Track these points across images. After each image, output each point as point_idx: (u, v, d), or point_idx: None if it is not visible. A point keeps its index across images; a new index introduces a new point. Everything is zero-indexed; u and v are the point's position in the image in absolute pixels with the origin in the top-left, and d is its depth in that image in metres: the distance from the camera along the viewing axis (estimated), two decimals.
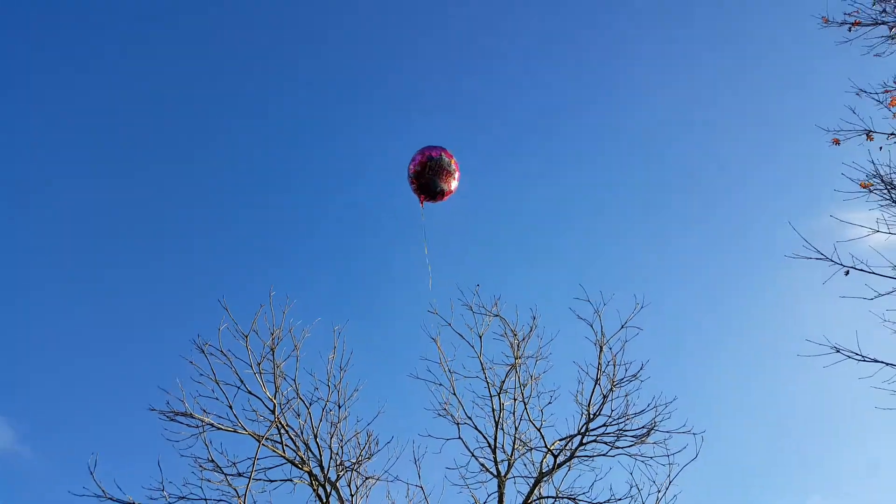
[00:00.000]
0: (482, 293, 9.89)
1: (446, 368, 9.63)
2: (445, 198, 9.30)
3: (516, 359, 9.58)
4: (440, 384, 9.50)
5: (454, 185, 9.15)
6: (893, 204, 7.12)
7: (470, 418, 9.23)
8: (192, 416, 8.30)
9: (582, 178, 22.71)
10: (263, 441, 8.12)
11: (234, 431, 8.43)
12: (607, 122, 22.89)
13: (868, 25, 7.44)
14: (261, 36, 22.92)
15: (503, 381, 9.44)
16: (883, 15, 7.33)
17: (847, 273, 7.20)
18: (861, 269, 7.19)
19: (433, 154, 9.01)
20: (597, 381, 9.10)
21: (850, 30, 7.55)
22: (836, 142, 7.52)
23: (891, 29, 7.36)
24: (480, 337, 9.72)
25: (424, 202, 9.34)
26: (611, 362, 9.18)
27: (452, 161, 9.08)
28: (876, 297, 7.06)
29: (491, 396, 9.37)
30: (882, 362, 6.91)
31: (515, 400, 9.39)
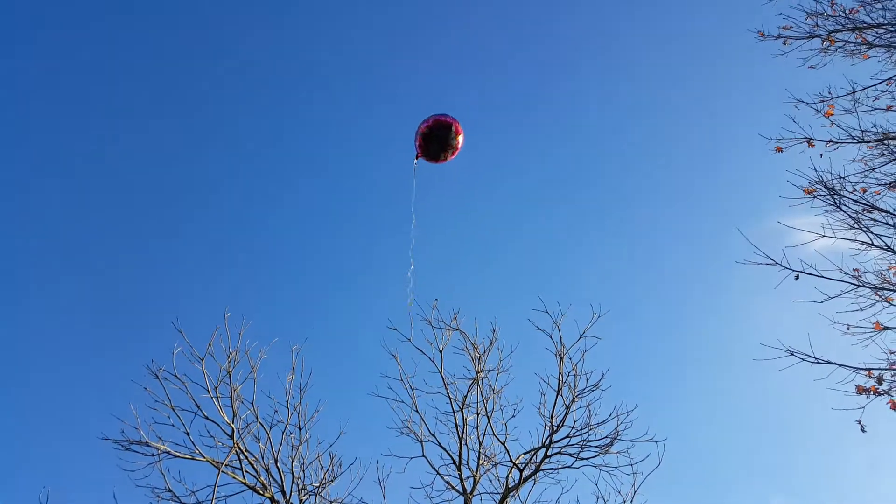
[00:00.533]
0: (441, 307, 9.78)
1: (407, 385, 9.45)
2: (438, 163, 9.37)
3: (477, 372, 9.45)
4: (402, 401, 9.31)
5: (449, 158, 9.22)
6: (837, 209, 7.27)
7: (433, 435, 9.06)
8: (147, 445, 7.97)
9: (536, 183, 22.76)
10: (223, 468, 7.81)
11: (192, 459, 8.09)
12: (559, 125, 22.98)
13: (801, 39, 7.68)
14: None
15: (465, 396, 9.30)
16: (815, 28, 7.59)
17: (797, 277, 7.29)
18: (810, 274, 7.29)
19: (446, 121, 9.00)
20: (558, 392, 9.04)
21: (784, 43, 7.79)
22: (779, 149, 7.69)
23: (823, 41, 7.60)
24: (441, 351, 9.58)
25: (419, 158, 9.45)
26: (571, 373, 9.13)
27: (459, 138, 9.15)
28: (826, 300, 7.16)
29: (454, 412, 9.21)
30: (835, 364, 6.97)
31: (478, 414, 9.26)
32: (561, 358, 9.20)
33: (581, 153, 22.78)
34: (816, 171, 7.54)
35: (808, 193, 7.63)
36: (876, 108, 7.35)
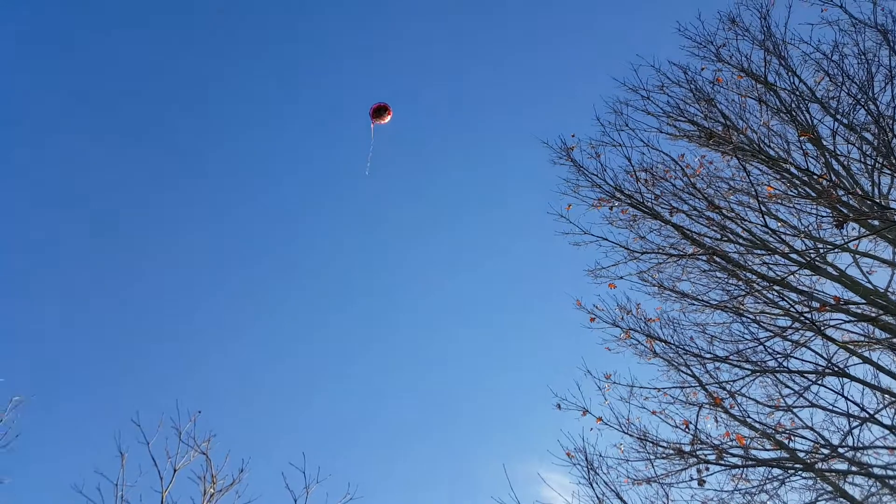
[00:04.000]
0: (201, 421, 8.25)
1: (119, 495, 7.53)
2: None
3: None
4: None
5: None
6: (588, 485, 7.02)
7: None
8: None
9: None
10: None
11: None
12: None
13: (607, 323, 8.05)
14: None
15: None
16: (620, 320, 8.01)
17: None
18: None
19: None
20: None
21: (591, 320, 8.14)
22: (559, 407, 7.61)
23: (622, 333, 7.99)
24: (175, 470, 7.87)
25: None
26: None
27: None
28: None
29: None
30: None
31: None
32: None
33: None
34: (583, 440, 7.47)
35: (569, 457, 7.45)
36: (645, 408, 7.53)
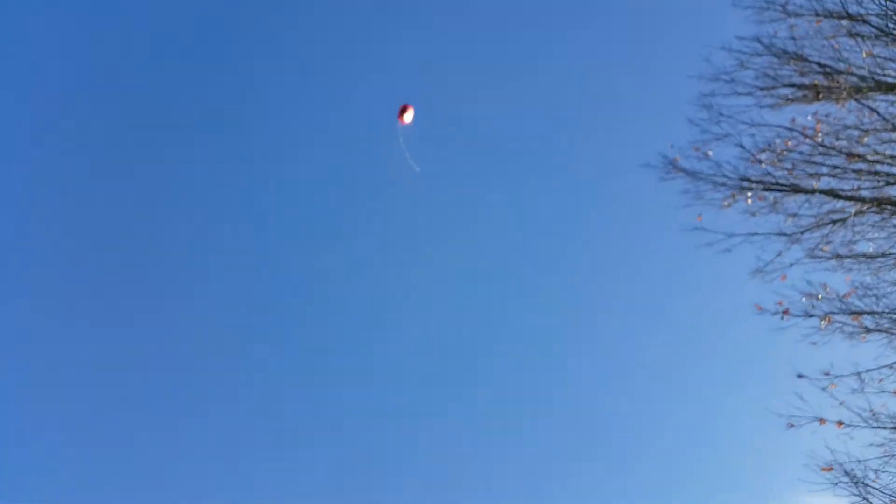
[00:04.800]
0: None
1: None
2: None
3: None
4: None
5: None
6: (864, 501, 6.01)
7: None
8: None
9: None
10: None
11: None
12: None
13: (799, 316, 7.20)
14: None
15: None
16: (812, 309, 7.15)
17: None
18: None
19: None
20: None
21: (783, 318, 7.30)
22: (791, 425, 6.69)
23: (821, 321, 7.11)
24: None
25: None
26: None
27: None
28: None
29: None
30: None
31: None
32: None
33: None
34: (832, 452, 6.50)
35: (827, 472, 6.48)
36: (884, 391, 6.54)
